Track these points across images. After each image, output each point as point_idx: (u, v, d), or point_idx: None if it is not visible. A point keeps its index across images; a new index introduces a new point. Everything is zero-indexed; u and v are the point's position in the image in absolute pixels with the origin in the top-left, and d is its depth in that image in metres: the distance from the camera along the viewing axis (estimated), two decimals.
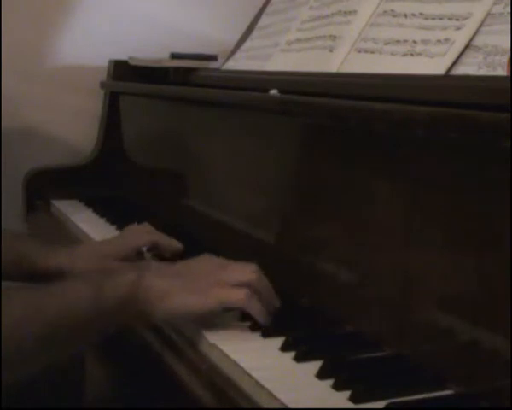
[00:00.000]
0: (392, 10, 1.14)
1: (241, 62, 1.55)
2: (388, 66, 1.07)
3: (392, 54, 1.09)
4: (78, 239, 1.43)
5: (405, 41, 1.08)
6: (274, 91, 1.17)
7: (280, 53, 1.39)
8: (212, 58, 1.67)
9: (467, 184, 0.77)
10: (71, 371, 1.17)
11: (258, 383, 0.76)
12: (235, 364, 0.81)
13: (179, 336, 0.94)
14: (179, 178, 1.49)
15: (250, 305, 0.90)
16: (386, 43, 1.11)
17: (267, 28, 1.54)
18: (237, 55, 1.60)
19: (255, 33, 1.58)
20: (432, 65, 1.00)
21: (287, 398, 0.73)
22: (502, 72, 0.91)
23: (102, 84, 1.89)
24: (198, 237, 1.31)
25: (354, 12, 1.22)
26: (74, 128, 1.93)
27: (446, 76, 0.97)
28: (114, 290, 0.87)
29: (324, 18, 1.31)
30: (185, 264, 0.96)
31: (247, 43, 1.58)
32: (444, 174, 0.81)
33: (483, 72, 0.93)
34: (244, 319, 0.93)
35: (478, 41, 0.98)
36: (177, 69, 1.67)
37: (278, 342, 0.86)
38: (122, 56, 1.84)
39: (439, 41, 1.02)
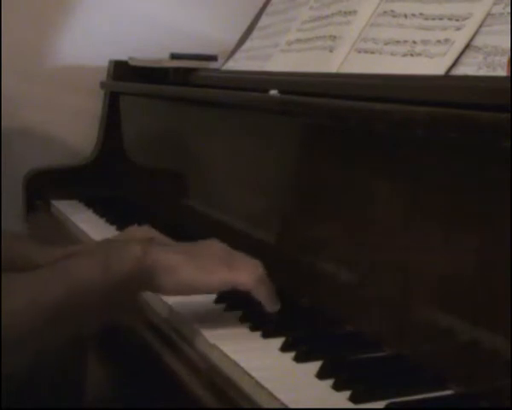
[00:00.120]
0: (392, 10, 1.14)
1: (241, 63, 1.55)
2: (388, 66, 1.07)
3: (392, 54, 1.09)
4: (78, 239, 1.43)
5: (405, 41, 1.08)
6: (274, 92, 1.17)
7: (280, 53, 1.39)
8: (212, 58, 1.66)
9: (467, 184, 0.77)
10: (71, 371, 1.17)
11: (258, 383, 0.76)
12: (235, 364, 0.81)
13: (179, 336, 0.94)
14: (179, 178, 1.49)
15: (257, 288, 0.89)
16: (386, 44, 1.11)
17: (267, 28, 1.54)
18: (237, 55, 1.60)
19: (255, 33, 1.58)
20: (432, 65, 1.00)
21: (287, 398, 0.73)
22: (502, 72, 0.91)
23: (102, 85, 1.89)
24: (198, 237, 1.31)
25: (354, 12, 1.22)
26: (74, 128, 1.93)
27: (446, 76, 0.97)
28: (121, 265, 0.87)
29: (324, 18, 1.31)
30: (193, 244, 0.96)
31: (247, 44, 1.58)
32: (444, 174, 0.80)
33: (483, 72, 0.93)
34: (244, 320, 0.93)
35: (478, 41, 0.98)
36: (176, 69, 1.67)
37: (278, 342, 0.86)
38: (122, 56, 1.84)
39: (438, 41, 1.02)
